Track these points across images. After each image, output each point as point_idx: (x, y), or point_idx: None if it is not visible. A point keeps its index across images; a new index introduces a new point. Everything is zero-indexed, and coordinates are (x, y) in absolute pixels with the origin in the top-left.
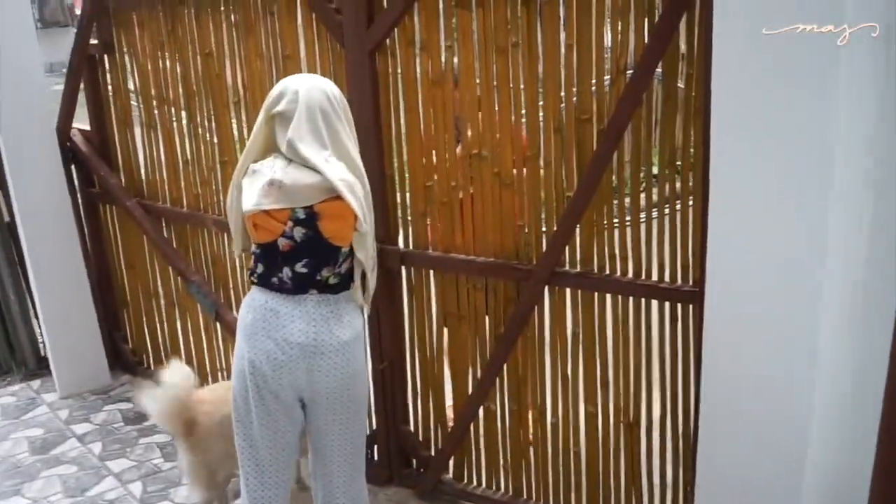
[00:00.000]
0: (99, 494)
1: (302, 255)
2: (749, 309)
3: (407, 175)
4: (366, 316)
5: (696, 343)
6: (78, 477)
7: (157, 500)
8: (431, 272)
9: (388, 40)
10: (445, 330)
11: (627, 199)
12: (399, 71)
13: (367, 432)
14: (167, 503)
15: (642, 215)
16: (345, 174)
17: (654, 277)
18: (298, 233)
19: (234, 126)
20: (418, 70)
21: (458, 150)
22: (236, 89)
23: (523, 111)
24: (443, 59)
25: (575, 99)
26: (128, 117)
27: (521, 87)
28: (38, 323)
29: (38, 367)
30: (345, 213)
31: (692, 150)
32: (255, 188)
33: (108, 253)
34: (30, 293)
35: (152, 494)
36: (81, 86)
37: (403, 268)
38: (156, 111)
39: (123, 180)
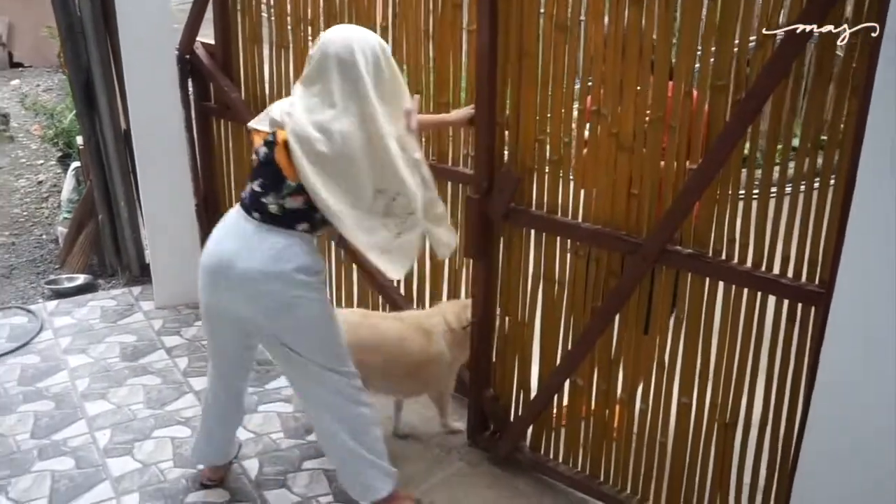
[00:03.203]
0: (177, 410)
1: (259, 174)
2: (879, 323)
3: (519, 125)
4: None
5: (813, 350)
6: (160, 389)
7: None
8: (532, 231)
9: None
10: (539, 294)
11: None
12: (522, 9)
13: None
14: (240, 428)
15: (772, 196)
16: (306, 127)
17: (776, 270)
18: (262, 151)
19: None
20: (542, 10)
21: None
22: (385, 14)
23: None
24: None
25: (712, 60)
26: (256, 35)
27: (653, 40)
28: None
29: (141, 274)
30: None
31: (842, 129)
32: None
33: (217, 169)
34: (139, 202)
35: None
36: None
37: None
38: (289, 29)
39: (243, 97)
